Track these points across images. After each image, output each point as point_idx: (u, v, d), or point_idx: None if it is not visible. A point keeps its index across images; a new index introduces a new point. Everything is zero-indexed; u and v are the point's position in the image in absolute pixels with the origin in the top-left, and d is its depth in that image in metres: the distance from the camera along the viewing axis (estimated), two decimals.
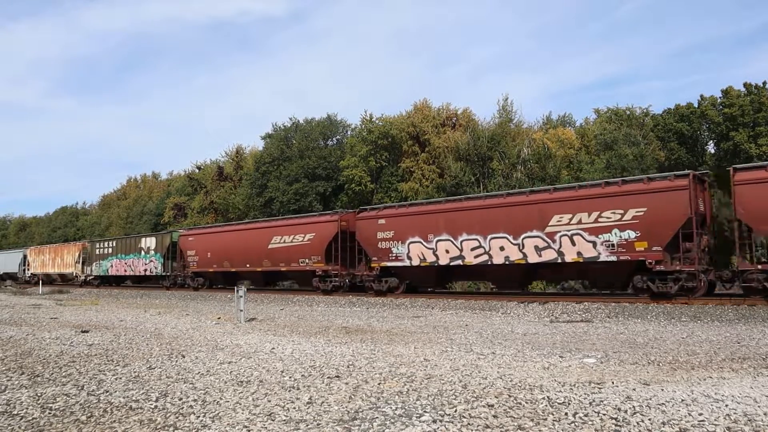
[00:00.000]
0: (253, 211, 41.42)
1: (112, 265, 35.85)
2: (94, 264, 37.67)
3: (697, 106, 35.74)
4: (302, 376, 6.51)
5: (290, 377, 6.44)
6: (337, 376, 6.42)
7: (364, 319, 14.47)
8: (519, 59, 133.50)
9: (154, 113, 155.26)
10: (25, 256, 47.94)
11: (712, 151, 36.17)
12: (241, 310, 13.86)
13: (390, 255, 20.28)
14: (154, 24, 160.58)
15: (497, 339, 9.94)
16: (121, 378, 6.57)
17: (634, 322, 12.72)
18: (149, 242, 32.92)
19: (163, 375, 6.70)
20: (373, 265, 21.04)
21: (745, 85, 34.62)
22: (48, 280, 43.47)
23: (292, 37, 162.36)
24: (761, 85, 33.99)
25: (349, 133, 43.19)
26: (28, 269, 46.72)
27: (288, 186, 38.83)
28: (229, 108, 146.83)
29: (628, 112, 38.32)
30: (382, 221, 20.80)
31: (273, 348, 8.83)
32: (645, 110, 38.66)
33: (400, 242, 20.03)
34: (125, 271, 34.74)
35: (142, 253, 33.06)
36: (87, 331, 11.53)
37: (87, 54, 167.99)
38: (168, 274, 31.04)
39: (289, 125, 43.26)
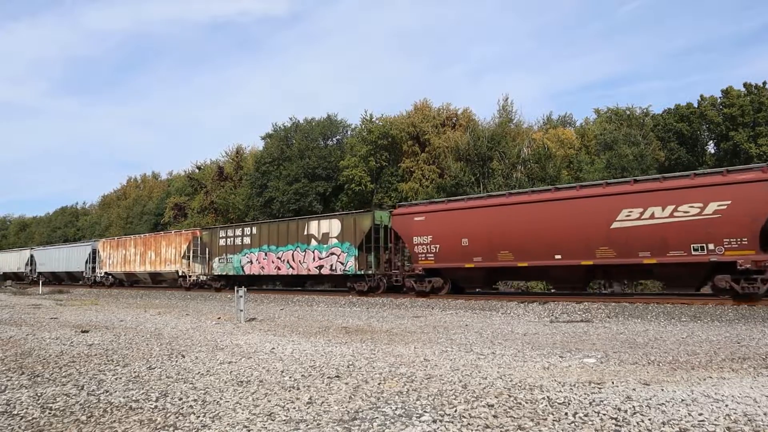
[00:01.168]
0: (253, 211, 41.42)
1: (250, 261, 26.15)
2: (217, 260, 28.00)
3: (697, 106, 35.78)
4: (302, 376, 6.51)
5: (290, 377, 6.44)
6: (337, 376, 6.42)
7: (364, 319, 14.46)
8: (519, 59, 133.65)
9: (154, 113, 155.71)
10: (94, 251, 38.57)
11: (712, 151, 36.21)
12: (241, 310, 13.85)
13: None
14: (155, 24, 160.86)
15: (497, 339, 9.94)
16: (121, 378, 6.57)
17: (634, 322, 12.71)
18: (328, 226, 23.03)
19: (163, 375, 6.70)
20: None
21: (745, 85, 34.66)
22: (129, 281, 35.82)
23: (293, 37, 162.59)
24: (761, 85, 34.03)
25: (349, 133, 43.26)
26: (101, 267, 37.45)
27: (288, 186, 38.84)
28: (229, 108, 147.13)
29: (628, 112, 38.38)
30: None
31: (273, 348, 8.82)
32: (645, 110, 38.74)
33: None
34: (278, 269, 24.84)
35: (313, 242, 23.38)
36: (87, 331, 11.53)
37: (87, 54, 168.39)
38: (369, 272, 21.71)
39: (289, 125, 43.33)
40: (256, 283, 27.96)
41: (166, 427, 4.55)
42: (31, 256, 47.00)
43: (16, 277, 48.81)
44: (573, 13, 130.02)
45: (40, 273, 44.80)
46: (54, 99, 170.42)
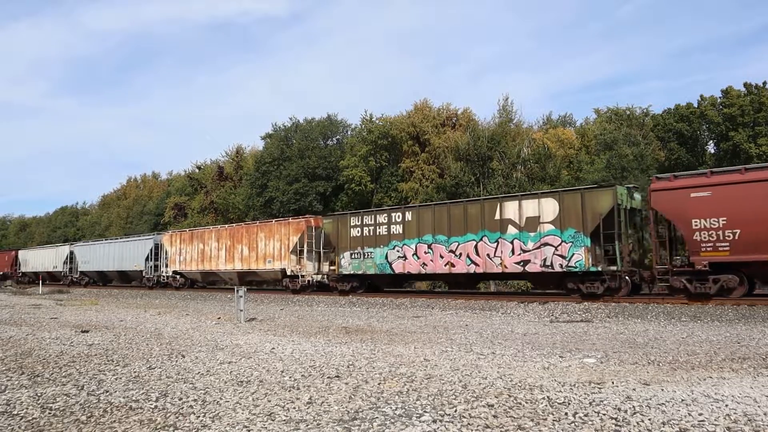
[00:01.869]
0: (253, 211, 41.43)
1: (403, 256, 20.26)
2: (347, 255, 22.13)
3: (697, 106, 35.77)
4: (302, 376, 6.51)
5: (290, 377, 6.44)
6: (337, 376, 6.42)
7: (364, 319, 14.46)
8: (519, 59, 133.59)
9: (154, 113, 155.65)
10: (157, 246, 32.48)
11: (712, 151, 36.21)
12: (241, 310, 13.85)
13: None
14: (154, 24, 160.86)
15: (497, 339, 9.94)
16: (121, 378, 6.57)
17: (634, 322, 12.71)
18: (536, 208, 17.32)
19: (163, 375, 6.70)
20: None
21: (745, 85, 34.64)
22: (205, 281, 30.48)
23: (293, 37, 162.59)
24: (761, 85, 34.01)
25: (349, 133, 43.32)
26: (168, 266, 31.41)
27: (288, 186, 38.86)
28: (229, 108, 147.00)
29: (628, 112, 38.40)
30: None
31: (273, 348, 8.83)
32: (645, 110, 38.76)
33: None
34: (450, 266, 18.94)
35: (511, 229, 17.68)
36: (87, 331, 11.53)
37: (87, 54, 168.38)
38: (611, 268, 16.14)
39: (289, 125, 43.39)
40: (404, 283, 23.33)
41: (166, 427, 4.55)
42: (71, 252, 40.76)
43: (50, 278, 42.21)
44: (573, 13, 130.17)
45: (82, 273, 39.24)
46: (54, 99, 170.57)
